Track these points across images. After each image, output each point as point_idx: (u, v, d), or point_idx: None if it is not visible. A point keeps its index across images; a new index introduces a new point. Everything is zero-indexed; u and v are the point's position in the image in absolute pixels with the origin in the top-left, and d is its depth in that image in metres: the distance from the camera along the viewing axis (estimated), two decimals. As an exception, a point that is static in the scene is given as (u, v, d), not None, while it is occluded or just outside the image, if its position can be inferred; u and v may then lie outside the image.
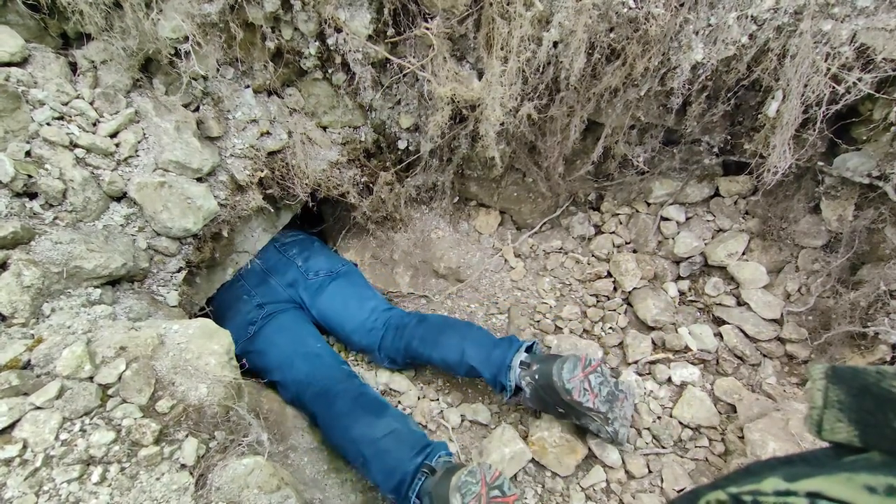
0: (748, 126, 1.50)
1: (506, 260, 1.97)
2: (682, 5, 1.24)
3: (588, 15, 1.24)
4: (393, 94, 1.54)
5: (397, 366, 1.73)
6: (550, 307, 1.82)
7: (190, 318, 1.39)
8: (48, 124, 1.10)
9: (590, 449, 1.41)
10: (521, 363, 1.39)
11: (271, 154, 1.53)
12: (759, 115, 1.40)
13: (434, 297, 1.98)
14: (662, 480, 1.35)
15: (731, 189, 1.72)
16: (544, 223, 1.98)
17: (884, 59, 1.16)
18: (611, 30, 1.29)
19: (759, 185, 1.51)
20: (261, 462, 0.88)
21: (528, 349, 1.44)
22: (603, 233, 1.88)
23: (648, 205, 1.82)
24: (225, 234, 1.46)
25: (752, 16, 1.23)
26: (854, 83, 1.19)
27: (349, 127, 1.64)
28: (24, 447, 0.76)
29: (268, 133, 1.49)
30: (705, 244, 1.72)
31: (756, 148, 1.44)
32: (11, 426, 0.77)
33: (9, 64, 1.10)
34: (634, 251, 1.82)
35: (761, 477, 0.39)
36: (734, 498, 0.38)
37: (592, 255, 1.86)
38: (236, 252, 1.67)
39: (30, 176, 1.06)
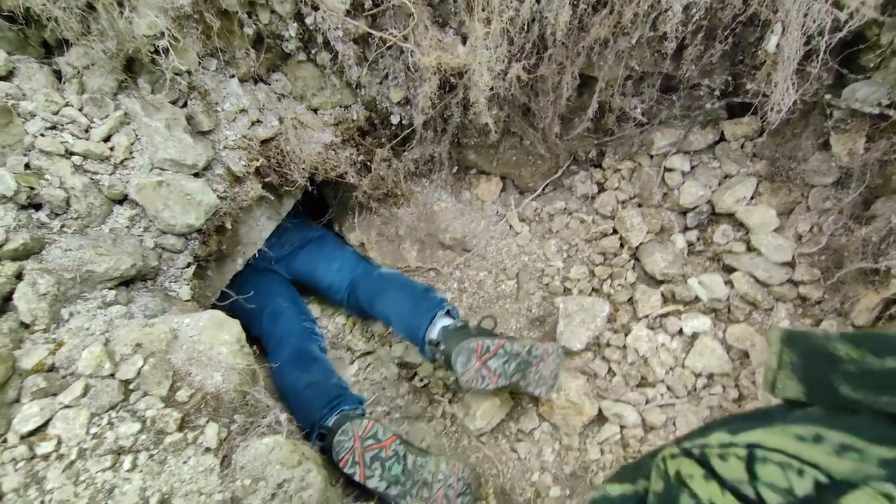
0: (749, 64, 1.43)
1: (511, 225, 1.96)
2: (668, -58, 1.17)
3: (569, -36, 1.18)
4: (380, 69, 1.51)
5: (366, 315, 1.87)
6: (558, 269, 1.82)
7: (204, 309, 1.44)
8: (42, 135, 1.12)
9: (600, 409, 1.44)
10: (430, 342, 1.46)
11: (265, 142, 1.53)
12: (760, 52, 1.33)
13: (443, 269, 1.99)
14: (676, 429, 1.37)
15: (737, 132, 1.66)
16: (546, 185, 1.96)
17: (889, -23, 1.09)
18: (595, -23, 1.23)
19: (765, 126, 1.45)
20: (280, 440, 0.93)
21: (448, 313, 1.51)
22: (606, 189, 1.85)
23: (651, 157, 1.77)
24: (228, 225, 1.49)
25: (744, -55, 1.15)
26: (857, 8, 1.12)
27: (340, 106, 1.63)
28: (59, 443, 0.81)
29: (258, 121, 1.49)
30: (712, 192, 1.68)
31: (759, 87, 1.38)
32: (45, 424, 0.83)
33: (-5, 79, 1.11)
34: (639, 205, 1.79)
35: (711, 431, 0.42)
36: (684, 451, 0.42)
37: (597, 214, 1.84)
38: (242, 243, 1.70)
39: (32, 188, 1.09)
